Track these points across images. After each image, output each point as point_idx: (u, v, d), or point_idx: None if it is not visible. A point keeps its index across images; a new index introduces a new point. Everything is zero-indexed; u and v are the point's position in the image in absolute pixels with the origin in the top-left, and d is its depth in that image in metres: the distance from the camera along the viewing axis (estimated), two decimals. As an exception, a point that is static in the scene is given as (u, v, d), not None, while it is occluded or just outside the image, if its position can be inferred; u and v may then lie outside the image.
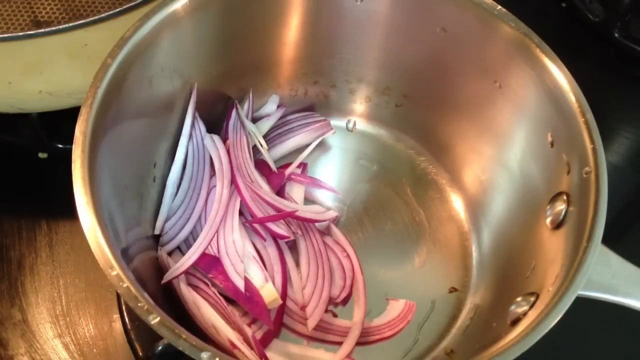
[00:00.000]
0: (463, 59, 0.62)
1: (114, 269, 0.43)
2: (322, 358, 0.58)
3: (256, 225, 0.61)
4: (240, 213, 0.62)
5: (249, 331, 0.55)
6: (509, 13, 0.58)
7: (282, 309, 0.59)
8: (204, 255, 0.58)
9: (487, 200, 0.66)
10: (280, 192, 0.67)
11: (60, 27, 0.58)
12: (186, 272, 0.57)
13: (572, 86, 0.54)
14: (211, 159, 0.63)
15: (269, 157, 0.68)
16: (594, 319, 0.61)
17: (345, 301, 0.62)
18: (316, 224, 0.65)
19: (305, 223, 0.65)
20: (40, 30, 0.58)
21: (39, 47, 0.59)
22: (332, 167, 0.71)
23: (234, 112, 0.66)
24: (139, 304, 0.42)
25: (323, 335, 0.60)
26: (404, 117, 0.71)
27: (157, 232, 0.60)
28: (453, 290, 0.63)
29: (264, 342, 0.57)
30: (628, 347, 0.65)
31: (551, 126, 0.55)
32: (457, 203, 0.69)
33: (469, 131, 0.66)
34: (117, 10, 0.59)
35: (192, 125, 0.62)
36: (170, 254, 0.60)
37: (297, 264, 0.63)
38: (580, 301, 0.46)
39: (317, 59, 0.68)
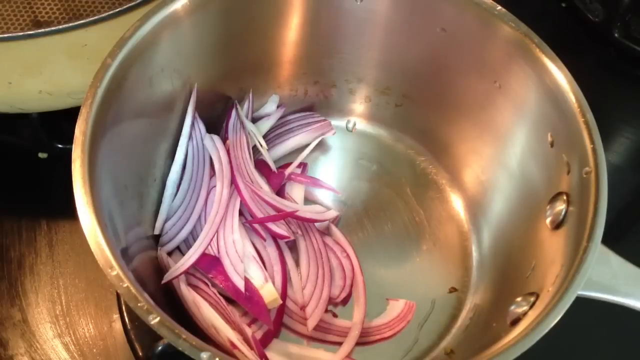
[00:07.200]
0: (463, 59, 0.62)
1: (114, 269, 0.43)
2: (322, 358, 0.58)
3: (256, 225, 0.61)
4: (240, 213, 0.62)
5: (249, 331, 0.55)
6: (509, 13, 0.58)
7: (282, 309, 0.59)
8: (204, 255, 0.58)
9: (487, 200, 0.66)
10: (280, 192, 0.67)
11: (60, 27, 0.58)
12: (186, 272, 0.57)
13: (572, 86, 0.54)
14: (211, 159, 0.63)
15: (269, 157, 0.68)
16: (594, 319, 0.61)
17: (345, 301, 0.62)
18: (316, 224, 0.65)
19: (305, 223, 0.65)
20: (40, 30, 0.58)
21: (39, 47, 0.59)
22: (332, 167, 0.71)
23: (234, 112, 0.66)
24: (139, 304, 0.42)
25: (323, 335, 0.59)
26: (404, 117, 0.71)
27: (157, 232, 0.60)
28: (453, 290, 0.63)
29: (264, 342, 0.57)
30: (628, 347, 0.65)
31: (551, 126, 0.55)
32: (457, 203, 0.69)
33: (469, 131, 0.66)
34: (117, 10, 0.59)
35: (192, 125, 0.62)
36: (170, 254, 0.60)
37: (297, 264, 0.63)
38: (580, 301, 0.46)
39: (317, 59, 0.68)
